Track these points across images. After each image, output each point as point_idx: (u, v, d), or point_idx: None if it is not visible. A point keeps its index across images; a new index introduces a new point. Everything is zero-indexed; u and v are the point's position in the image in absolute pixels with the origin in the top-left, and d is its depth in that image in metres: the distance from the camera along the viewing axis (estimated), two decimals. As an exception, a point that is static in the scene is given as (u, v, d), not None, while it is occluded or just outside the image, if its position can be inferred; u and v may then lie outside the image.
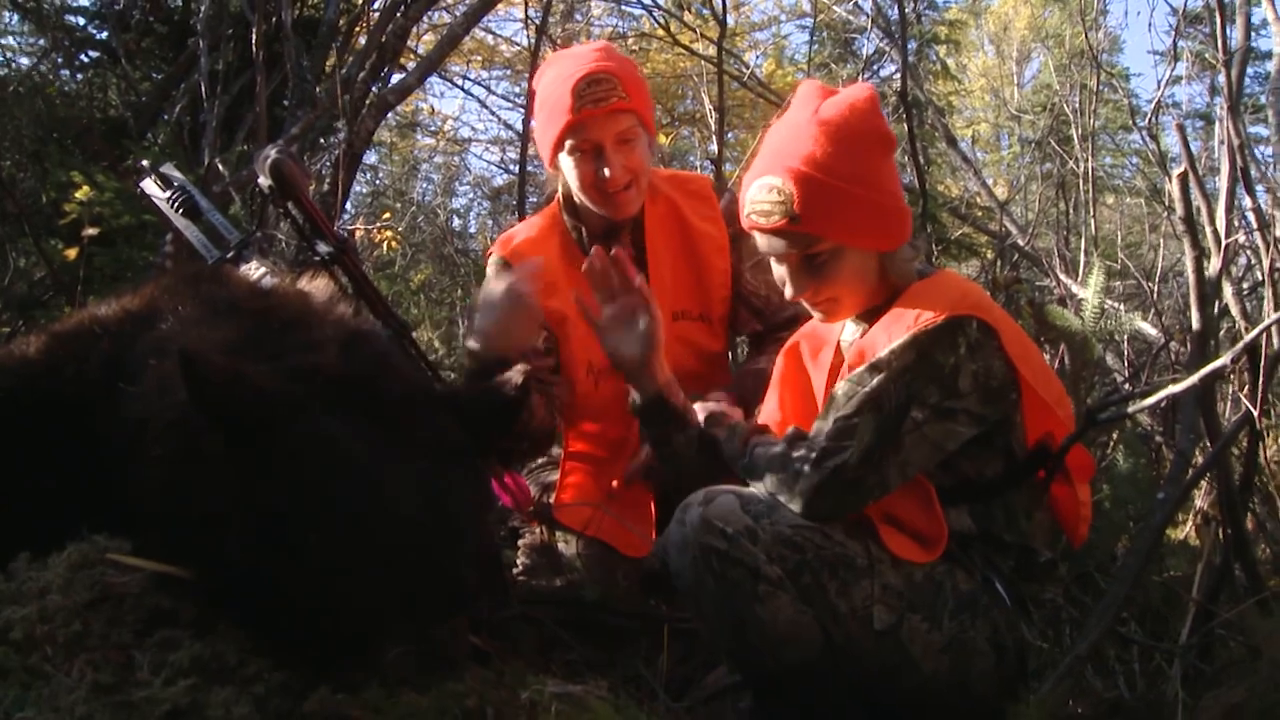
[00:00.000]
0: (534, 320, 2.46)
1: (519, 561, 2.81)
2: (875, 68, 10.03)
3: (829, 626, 1.93)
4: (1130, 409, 2.20)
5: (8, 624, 1.51)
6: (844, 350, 2.21)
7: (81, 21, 6.29)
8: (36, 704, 1.41)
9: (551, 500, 2.85)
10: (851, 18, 10.60)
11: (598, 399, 2.81)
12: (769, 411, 2.37)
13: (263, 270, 2.40)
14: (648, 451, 2.67)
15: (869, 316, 2.14)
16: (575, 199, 2.80)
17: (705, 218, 2.89)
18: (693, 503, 1.99)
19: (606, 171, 2.64)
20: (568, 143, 2.67)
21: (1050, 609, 2.16)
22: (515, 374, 1.86)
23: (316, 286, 2.18)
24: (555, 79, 2.68)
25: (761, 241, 2.13)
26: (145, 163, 2.77)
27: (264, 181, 2.56)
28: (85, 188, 4.08)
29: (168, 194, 2.67)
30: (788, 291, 2.14)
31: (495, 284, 2.44)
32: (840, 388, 2.02)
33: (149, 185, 2.71)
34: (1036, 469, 2.13)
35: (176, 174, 2.72)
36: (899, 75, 5.87)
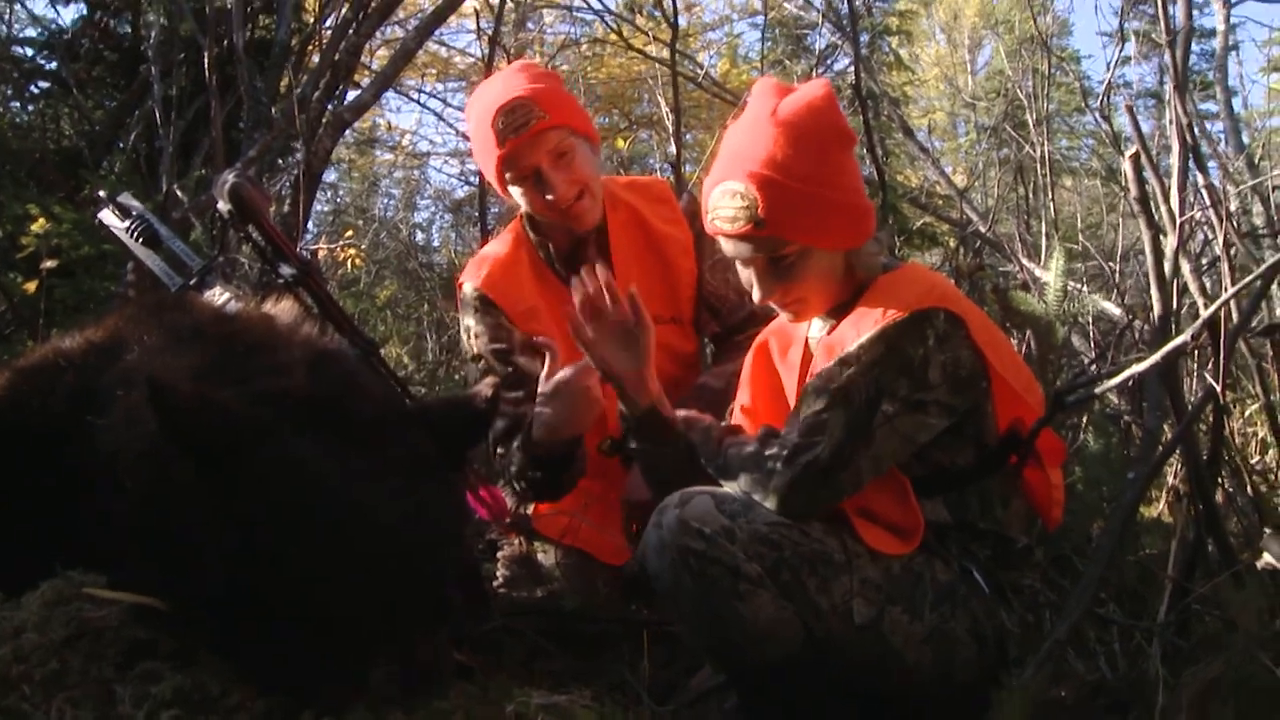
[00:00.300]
0: (596, 408, 2.48)
1: (499, 574, 2.81)
2: (829, 62, 10.05)
3: (810, 622, 1.94)
4: (1096, 390, 2.22)
5: (-17, 666, 1.50)
6: (812, 347, 2.22)
7: (30, 52, 6.24)
8: (17, 745, 1.40)
9: (529, 511, 2.85)
10: (803, 13, 10.64)
11: None
12: (740, 410, 2.38)
13: (226, 295, 2.38)
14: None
15: (836, 312, 2.15)
16: (536, 217, 2.81)
17: (668, 220, 2.90)
18: (669, 505, 1.98)
19: (551, 195, 2.65)
20: (506, 175, 2.68)
21: (1029, 595, 2.17)
22: (485, 386, 1.86)
23: (281, 309, 2.17)
24: (478, 118, 2.68)
25: (727, 246, 2.13)
26: (102, 193, 2.74)
27: (223, 206, 2.55)
28: (42, 220, 4.05)
29: (126, 223, 2.65)
30: (755, 295, 2.15)
31: (559, 376, 2.43)
32: (810, 384, 2.03)
33: (107, 216, 2.69)
34: (1008, 455, 2.15)
35: (135, 203, 2.70)
36: (853, 69, 5.90)
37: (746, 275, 2.15)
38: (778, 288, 2.11)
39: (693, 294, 2.89)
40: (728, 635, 1.94)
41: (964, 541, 2.08)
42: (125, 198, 2.72)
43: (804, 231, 2.04)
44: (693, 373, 2.93)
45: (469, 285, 2.84)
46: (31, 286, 4.04)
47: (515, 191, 2.71)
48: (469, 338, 2.84)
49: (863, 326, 2.00)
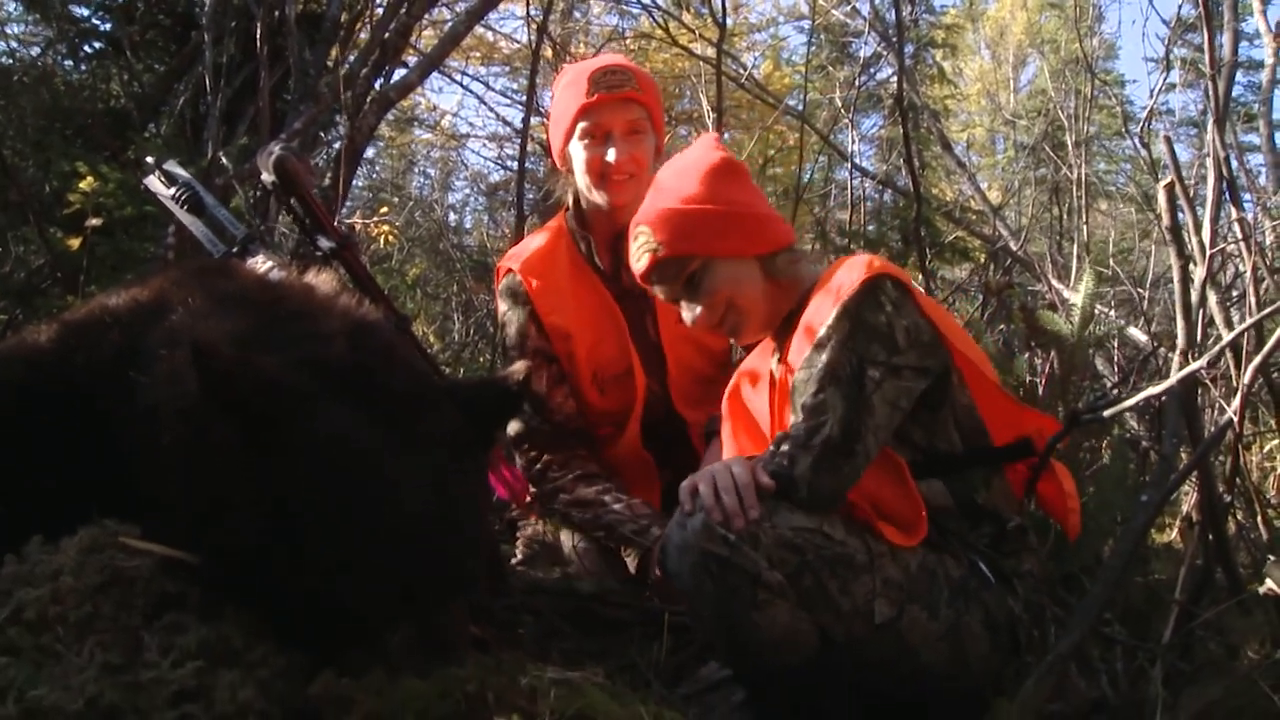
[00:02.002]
0: None
1: (517, 552, 2.85)
2: (872, 71, 10.08)
3: (830, 625, 1.97)
4: (1110, 411, 2.25)
5: (21, 605, 1.54)
6: (775, 371, 2.30)
7: (86, 12, 6.29)
8: (48, 682, 1.43)
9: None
10: (849, 20, 10.64)
11: (603, 404, 2.87)
12: (728, 447, 2.48)
13: (270, 264, 2.43)
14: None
15: (785, 330, 2.26)
16: (582, 201, 2.86)
17: None
18: (695, 507, 2.00)
19: (612, 155, 2.74)
20: (580, 126, 2.77)
21: (1031, 581, 2.20)
22: (517, 369, 1.89)
23: (322, 279, 2.20)
24: (574, 73, 2.81)
25: (657, 294, 2.31)
26: (150, 159, 2.79)
27: (268, 177, 2.60)
28: (89, 178, 4.10)
29: (172, 190, 2.70)
30: (688, 321, 2.29)
31: None
32: (797, 378, 2.11)
33: (153, 182, 2.74)
34: (1014, 458, 2.23)
35: (180, 171, 2.75)
36: (895, 78, 5.92)
37: (684, 312, 2.29)
38: (702, 305, 2.24)
39: None
40: (743, 640, 1.97)
41: (963, 531, 2.14)
42: (171, 165, 2.77)
43: (695, 243, 2.20)
44: (721, 370, 2.97)
45: (507, 270, 2.94)
46: (75, 243, 4.10)
47: (576, 149, 2.80)
48: (503, 328, 2.97)
49: (823, 312, 2.10)
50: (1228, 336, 2.08)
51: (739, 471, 1.98)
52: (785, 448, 2.04)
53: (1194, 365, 1.95)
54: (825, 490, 2.00)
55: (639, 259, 2.25)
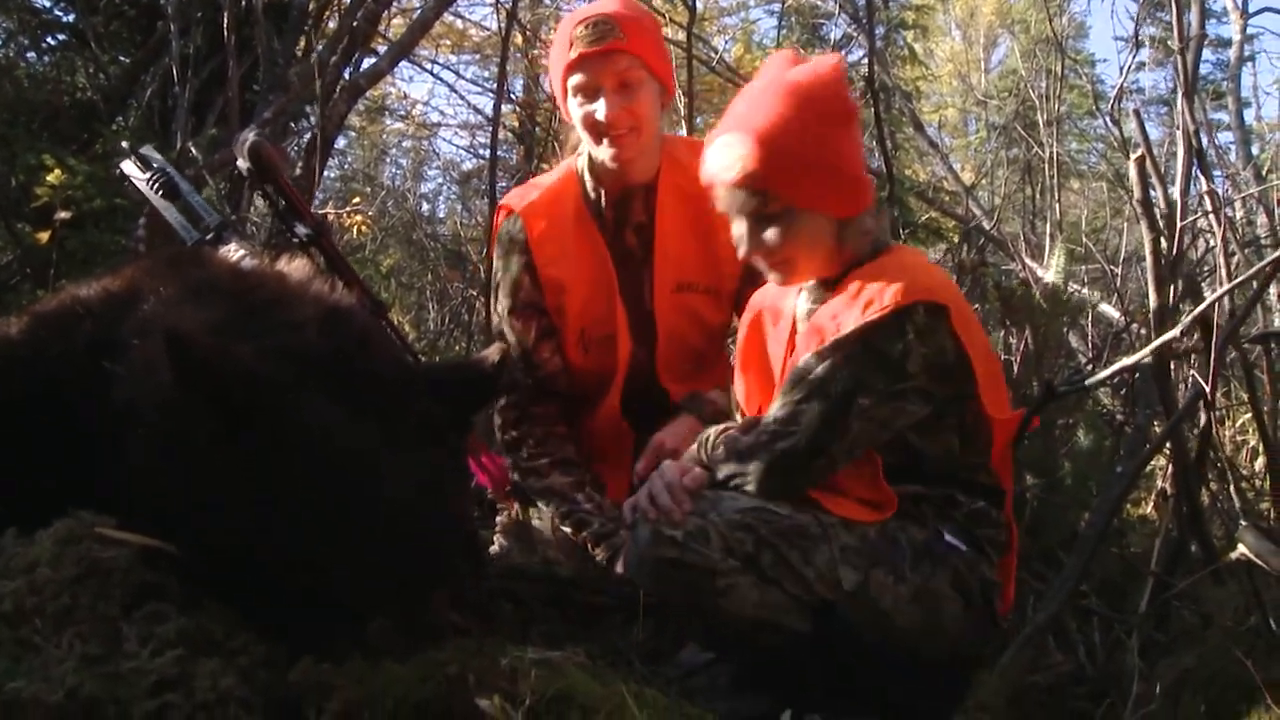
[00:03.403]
0: None
1: (496, 538, 2.84)
2: (843, 53, 10.05)
3: (804, 595, 1.99)
4: (1087, 383, 2.27)
5: (-3, 597, 1.54)
6: (799, 322, 2.26)
7: (47, 4, 6.23)
8: (26, 675, 1.43)
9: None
10: (820, 3, 10.65)
11: (586, 364, 2.83)
12: (737, 372, 2.45)
13: (243, 252, 2.41)
14: None
15: (825, 287, 2.19)
16: (592, 154, 2.78)
17: None
18: (642, 519, 2.05)
19: (601, 112, 2.62)
20: (570, 84, 2.66)
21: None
22: (493, 352, 1.89)
23: (294, 266, 2.19)
24: (563, 25, 2.70)
25: (720, 195, 2.16)
26: (126, 144, 2.77)
27: (243, 164, 2.58)
28: (57, 171, 4.07)
29: (147, 175, 2.68)
30: (741, 250, 2.18)
31: None
32: (791, 373, 2.08)
33: (128, 166, 2.72)
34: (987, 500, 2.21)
35: (156, 155, 2.73)
36: (866, 60, 5.92)
37: (737, 230, 2.18)
38: (764, 244, 2.14)
39: (738, 270, 2.77)
40: (721, 626, 2.02)
41: (938, 502, 2.13)
42: (147, 150, 2.76)
43: (790, 189, 2.08)
44: (714, 345, 2.96)
45: (510, 212, 2.82)
46: (44, 237, 4.06)
47: (572, 105, 2.69)
48: (495, 275, 2.87)
49: (844, 320, 2.03)
50: (1200, 306, 2.09)
51: (669, 476, 2.05)
52: (748, 438, 2.06)
53: (1168, 334, 1.97)
54: (772, 493, 2.03)
55: (725, 168, 2.10)
